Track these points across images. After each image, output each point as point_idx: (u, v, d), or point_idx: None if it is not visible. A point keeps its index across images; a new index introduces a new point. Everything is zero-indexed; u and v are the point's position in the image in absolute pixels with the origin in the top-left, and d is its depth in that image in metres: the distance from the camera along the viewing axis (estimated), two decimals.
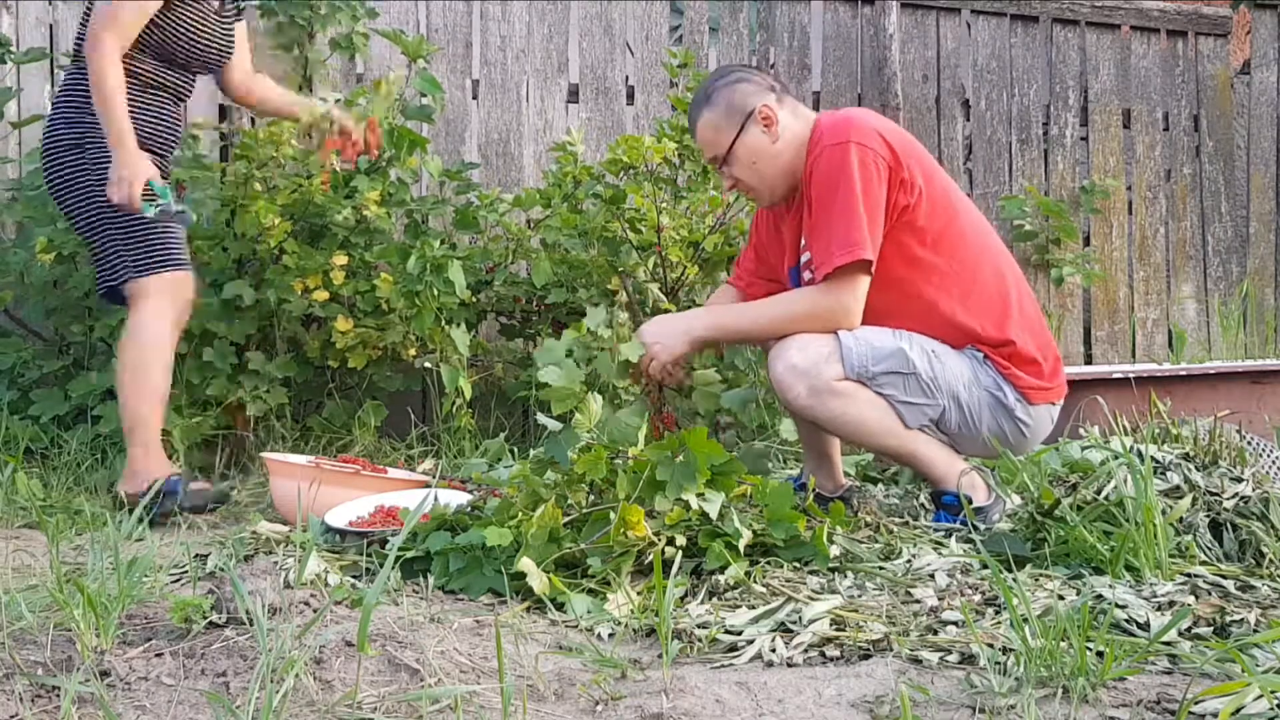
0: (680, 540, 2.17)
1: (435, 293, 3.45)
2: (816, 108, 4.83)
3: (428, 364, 3.52)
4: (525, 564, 2.06)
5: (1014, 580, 1.97)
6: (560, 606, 2.03)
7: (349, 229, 3.54)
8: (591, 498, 2.29)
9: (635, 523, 2.13)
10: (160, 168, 3.06)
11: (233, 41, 3.22)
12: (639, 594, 2.04)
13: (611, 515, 2.15)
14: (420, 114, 3.68)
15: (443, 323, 3.48)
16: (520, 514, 2.22)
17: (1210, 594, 1.94)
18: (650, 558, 2.02)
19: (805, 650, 1.79)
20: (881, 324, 2.60)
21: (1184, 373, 4.08)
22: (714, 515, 2.18)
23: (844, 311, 2.57)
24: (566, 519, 2.19)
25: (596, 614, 1.98)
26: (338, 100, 3.72)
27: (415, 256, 3.37)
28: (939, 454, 2.62)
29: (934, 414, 2.59)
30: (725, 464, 2.24)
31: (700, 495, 2.20)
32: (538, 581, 2.04)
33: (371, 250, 3.52)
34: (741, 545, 2.17)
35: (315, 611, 1.74)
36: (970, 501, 2.46)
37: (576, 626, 1.95)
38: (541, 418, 2.51)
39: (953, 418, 2.61)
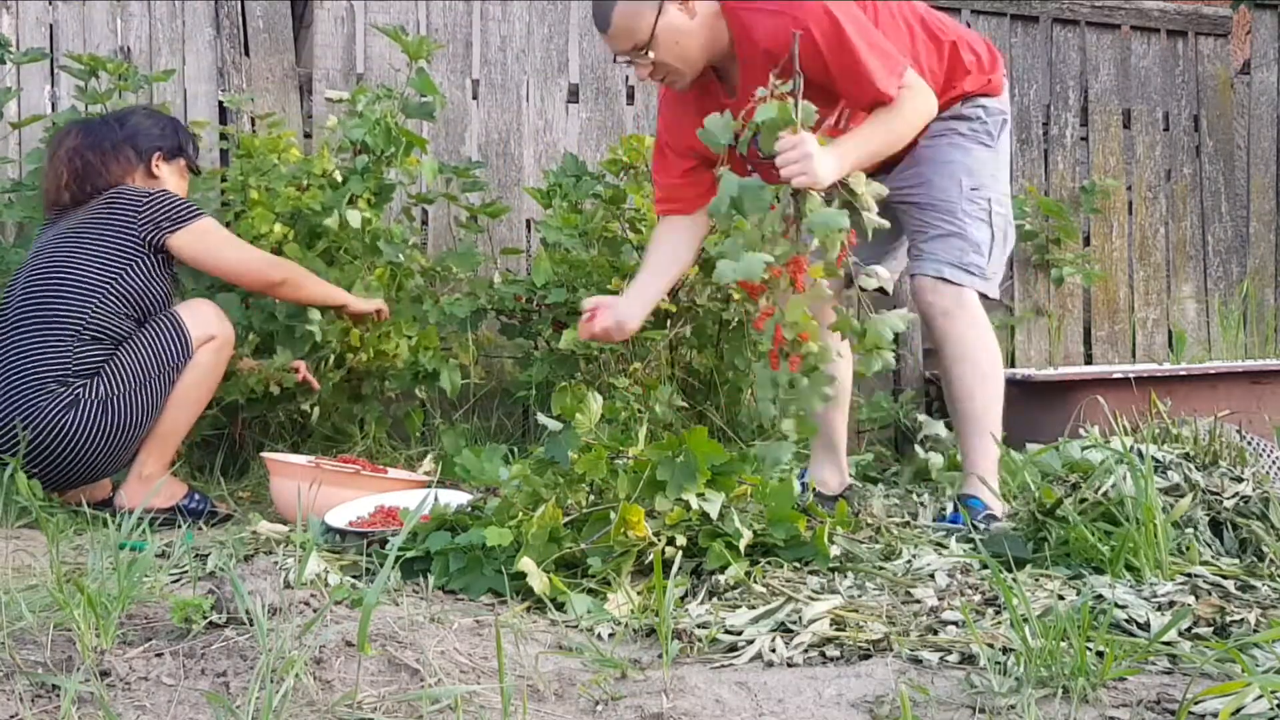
0: (681, 540, 2.17)
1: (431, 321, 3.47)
2: None
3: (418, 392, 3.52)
4: (525, 564, 2.06)
5: (1014, 580, 1.97)
6: (560, 606, 2.03)
7: (338, 233, 3.50)
8: (592, 498, 2.29)
9: (636, 522, 2.12)
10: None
11: None
12: (639, 594, 2.04)
13: (612, 515, 2.15)
14: (421, 111, 3.66)
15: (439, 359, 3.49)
16: (520, 514, 2.21)
17: (1210, 594, 1.94)
18: (650, 557, 2.03)
19: (805, 650, 1.79)
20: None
21: (1184, 373, 4.08)
22: (714, 515, 2.18)
23: (928, 101, 2.63)
24: (566, 519, 2.19)
25: (597, 613, 1.98)
26: (340, 100, 3.72)
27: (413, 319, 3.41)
28: (993, 453, 2.66)
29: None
30: (725, 464, 2.24)
31: (700, 496, 2.20)
32: (538, 581, 2.04)
33: (370, 266, 3.50)
34: (742, 545, 2.17)
35: (315, 611, 1.74)
36: (987, 512, 2.52)
37: (576, 626, 1.95)
38: (542, 418, 2.51)
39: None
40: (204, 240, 2.97)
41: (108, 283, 2.88)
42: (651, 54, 2.63)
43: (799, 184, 2.32)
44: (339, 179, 3.49)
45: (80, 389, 2.81)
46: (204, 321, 2.95)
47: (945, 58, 2.77)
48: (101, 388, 2.83)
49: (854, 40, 2.53)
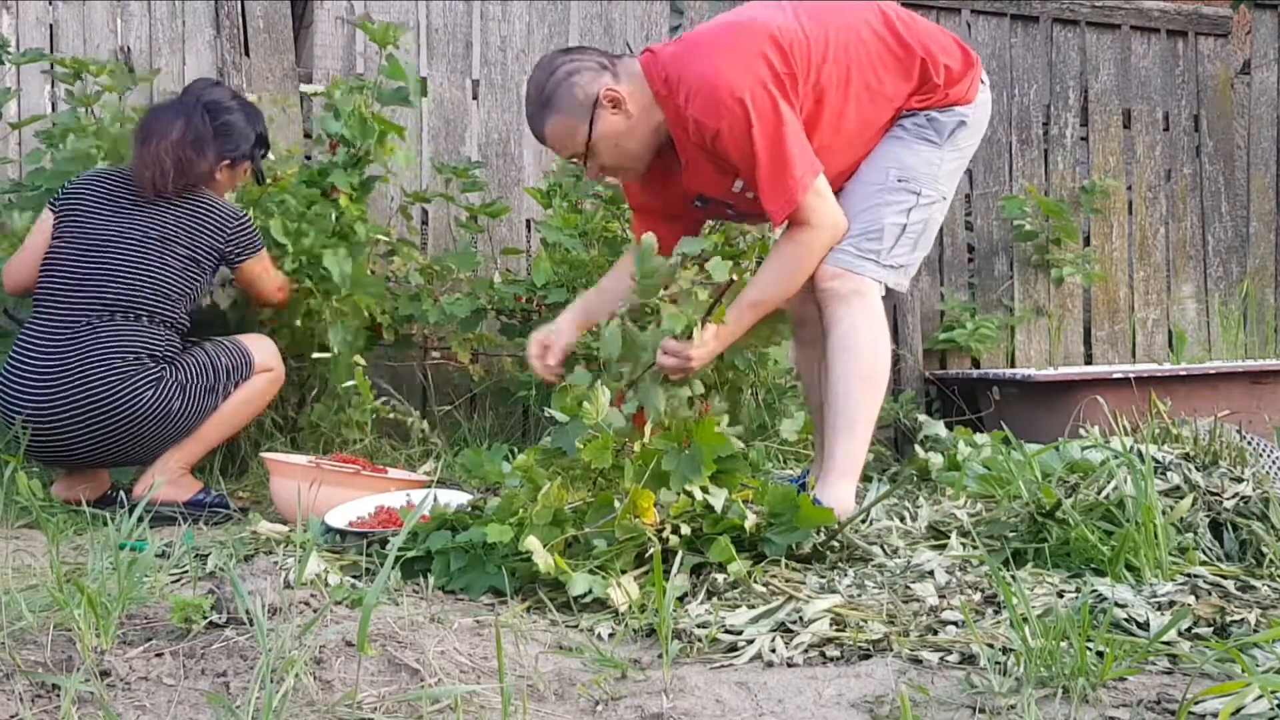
0: (685, 530, 2.16)
1: (313, 282, 3.44)
2: None
3: (325, 355, 3.49)
4: (530, 542, 2.05)
5: (1013, 579, 1.97)
6: (561, 607, 2.02)
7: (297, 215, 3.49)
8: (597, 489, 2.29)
9: (646, 508, 2.12)
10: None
11: None
12: (640, 587, 2.03)
13: (616, 503, 2.15)
14: (395, 97, 3.63)
15: (325, 314, 3.45)
16: (522, 510, 2.21)
17: (1210, 594, 1.94)
18: (651, 552, 2.02)
19: (805, 650, 1.78)
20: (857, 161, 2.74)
21: (1184, 373, 4.08)
22: (719, 508, 2.19)
23: (832, 226, 2.65)
24: (571, 507, 2.19)
25: (598, 590, 1.98)
26: (316, 95, 3.75)
27: (293, 248, 3.40)
28: (857, 455, 2.63)
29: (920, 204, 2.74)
30: (730, 459, 2.24)
31: (704, 490, 2.20)
32: (542, 560, 2.03)
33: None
34: (747, 525, 2.17)
35: (315, 611, 1.74)
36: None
37: (576, 626, 1.95)
38: (551, 410, 2.50)
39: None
40: (260, 264, 3.25)
41: (191, 288, 3.13)
42: (591, 160, 2.71)
43: (673, 377, 2.54)
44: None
45: (164, 369, 3.01)
46: (267, 353, 3.20)
47: (915, 75, 2.73)
48: (180, 374, 3.02)
49: (758, 148, 2.54)
